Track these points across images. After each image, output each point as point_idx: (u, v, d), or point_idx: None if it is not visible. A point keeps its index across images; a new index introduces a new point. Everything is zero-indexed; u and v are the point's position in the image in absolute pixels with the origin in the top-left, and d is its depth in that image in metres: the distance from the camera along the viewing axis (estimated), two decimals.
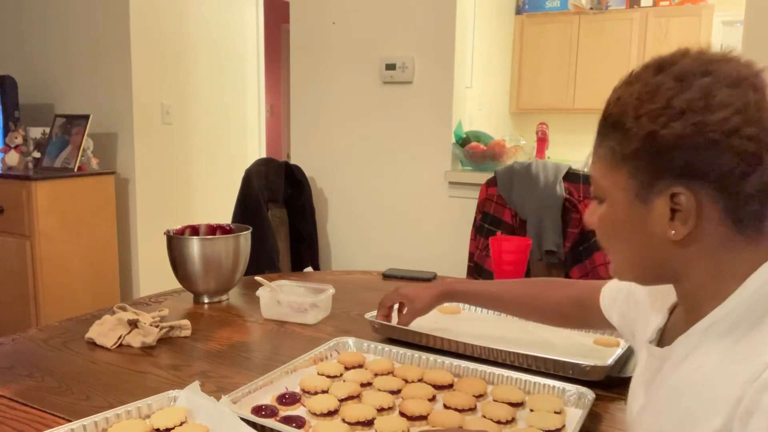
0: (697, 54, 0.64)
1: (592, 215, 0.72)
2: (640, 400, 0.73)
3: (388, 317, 1.22)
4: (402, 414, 0.90)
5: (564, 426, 0.88)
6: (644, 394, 0.72)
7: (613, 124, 0.65)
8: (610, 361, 1.04)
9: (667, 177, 0.61)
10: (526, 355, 1.06)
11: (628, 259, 0.70)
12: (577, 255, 2.14)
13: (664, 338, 0.73)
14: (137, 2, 3.11)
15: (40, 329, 1.30)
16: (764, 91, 0.61)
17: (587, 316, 1.03)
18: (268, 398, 0.95)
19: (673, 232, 0.62)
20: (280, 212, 2.69)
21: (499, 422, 0.89)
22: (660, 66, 0.64)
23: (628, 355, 1.12)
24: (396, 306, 1.23)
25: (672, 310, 0.75)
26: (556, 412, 0.91)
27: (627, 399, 0.79)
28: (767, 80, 0.62)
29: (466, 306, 1.42)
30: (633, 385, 0.77)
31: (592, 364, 1.01)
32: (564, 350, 1.13)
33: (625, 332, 0.92)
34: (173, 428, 0.84)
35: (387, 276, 1.74)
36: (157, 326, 1.22)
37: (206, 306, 1.47)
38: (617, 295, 0.94)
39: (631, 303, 0.88)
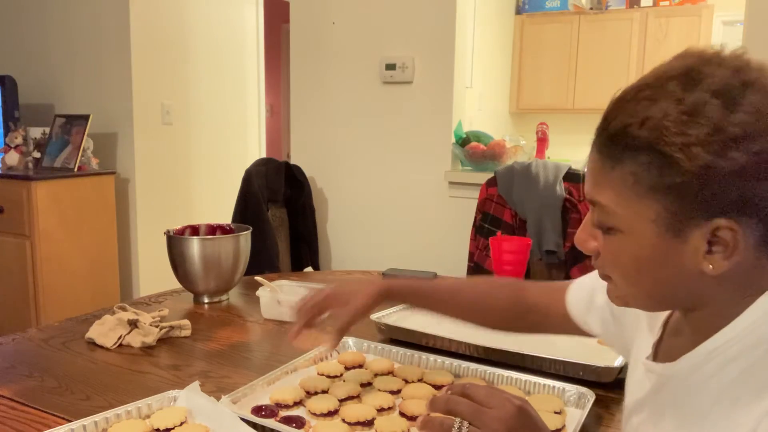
0: (717, 60, 0.56)
1: (590, 241, 0.65)
2: (642, 415, 0.69)
3: (308, 326, 0.96)
4: (402, 414, 0.90)
5: (564, 426, 0.88)
6: (646, 410, 0.68)
7: (638, 148, 0.56)
8: (618, 361, 1.03)
9: (713, 210, 0.54)
10: (534, 357, 1.06)
11: (646, 292, 0.63)
12: (577, 255, 2.14)
13: (659, 352, 0.70)
14: (137, 2, 3.11)
15: (40, 329, 1.30)
16: None
17: (542, 323, 0.95)
18: (267, 398, 0.95)
19: (711, 266, 0.56)
20: (280, 212, 2.69)
21: None
22: (688, 77, 0.56)
23: None
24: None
25: (666, 322, 0.71)
26: (556, 413, 0.90)
27: (622, 420, 0.76)
28: None
29: None
30: (629, 408, 0.73)
31: (603, 365, 1.01)
32: (568, 350, 1.13)
33: (614, 341, 0.86)
34: (173, 428, 0.84)
35: (387, 276, 1.74)
36: (157, 326, 1.22)
37: (206, 306, 1.47)
38: (590, 301, 0.87)
39: (620, 311, 0.81)
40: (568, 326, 0.91)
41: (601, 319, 0.85)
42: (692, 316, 0.64)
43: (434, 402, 0.65)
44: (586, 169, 0.64)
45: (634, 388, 0.72)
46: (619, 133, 0.58)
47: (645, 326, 0.75)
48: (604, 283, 0.68)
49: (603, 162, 0.60)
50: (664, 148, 0.54)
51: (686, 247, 0.57)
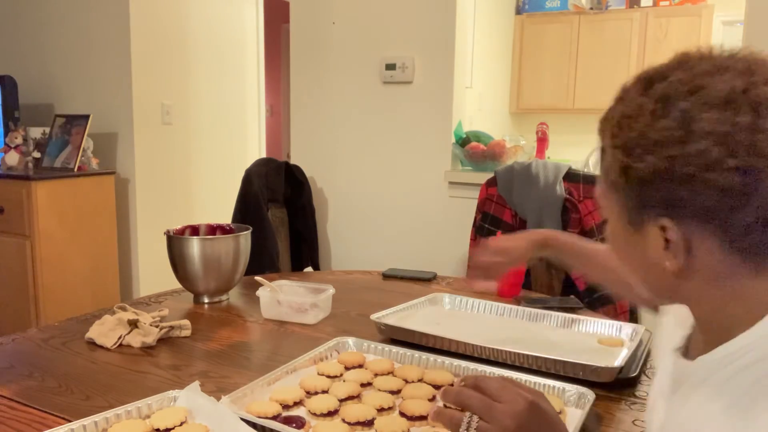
0: (691, 64, 0.57)
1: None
2: (660, 414, 0.68)
3: (484, 276, 1.15)
4: (402, 414, 0.90)
5: None
6: (664, 406, 0.67)
7: (601, 147, 0.62)
8: (618, 362, 1.03)
9: (653, 208, 0.58)
10: (535, 357, 1.06)
11: (638, 278, 0.66)
12: None
13: (689, 348, 0.68)
14: (137, 2, 3.11)
15: (40, 329, 1.30)
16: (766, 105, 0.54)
17: None
18: (267, 398, 0.95)
19: (668, 263, 0.59)
20: (280, 212, 2.69)
21: None
22: (649, 81, 0.59)
23: (633, 356, 1.11)
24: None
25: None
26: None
27: (647, 407, 0.75)
28: None
29: (466, 306, 1.42)
30: (653, 395, 0.73)
31: (602, 365, 1.01)
32: (569, 350, 1.13)
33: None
34: (173, 428, 0.84)
35: (387, 276, 1.74)
36: (157, 326, 1.22)
37: (206, 306, 1.47)
38: None
39: None
40: None
41: None
42: (695, 317, 0.64)
43: (446, 393, 0.65)
44: None
45: (658, 381, 0.72)
46: (600, 133, 0.63)
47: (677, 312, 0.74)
48: None
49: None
50: (604, 146, 0.61)
51: (647, 242, 0.60)
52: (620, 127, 0.59)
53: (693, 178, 0.54)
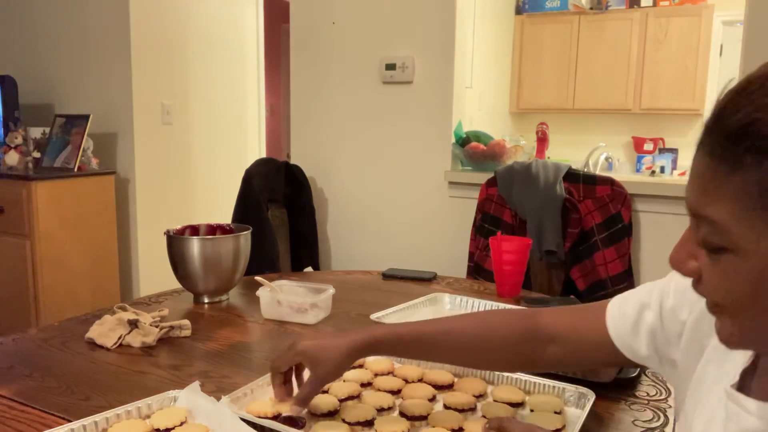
0: None
1: (689, 261, 0.54)
2: None
3: (284, 387, 0.89)
4: (402, 414, 0.90)
5: (564, 426, 0.88)
6: None
7: (759, 149, 0.46)
8: None
9: None
10: None
11: (765, 327, 0.52)
12: (577, 255, 2.14)
13: (752, 384, 0.58)
14: (137, 2, 3.12)
15: (40, 329, 1.30)
16: None
17: (569, 355, 0.81)
18: (267, 398, 0.95)
19: None
20: (280, 212, 2.69)
21: None
22: None
23: None
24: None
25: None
26: (556, 412, 0.91)
27: None
28: None
29: (466, 306, 1.42)
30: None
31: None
32: None
33: (664, 367, 0.73)
34: (173, 428, 0.84)
35: (387, 276, 1.74)
36: (157, 326, 1.22)
37: (206, 306, 1.47)
38: (639, 317, 0.73)
39: (673, 324, 0.68)
40: (600, 354, 0.78)
41: (650, 337, 0.72)
42: None
43: None
44: (689, 175, 0.53)
45: (705, 415, 0.61)
46: (742, 131, 0.47)
47: (716, 341, 0.60)
48: (657, 298, 0.62)
49: (716, 167, 0.49)
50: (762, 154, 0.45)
51: None
52: None
53: None
